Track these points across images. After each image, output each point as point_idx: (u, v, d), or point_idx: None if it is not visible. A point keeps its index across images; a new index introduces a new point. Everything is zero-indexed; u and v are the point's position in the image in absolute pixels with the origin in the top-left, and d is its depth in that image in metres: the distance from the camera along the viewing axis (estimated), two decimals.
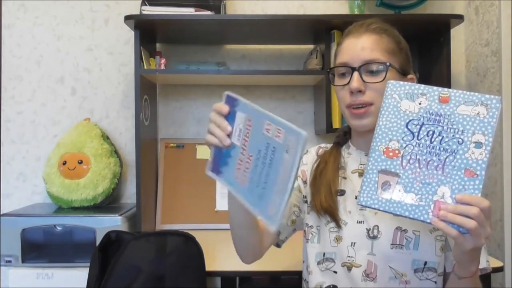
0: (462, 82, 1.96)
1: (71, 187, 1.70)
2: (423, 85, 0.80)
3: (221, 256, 1.47)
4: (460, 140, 0.75)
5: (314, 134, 1.98)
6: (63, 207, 1.74)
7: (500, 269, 1.40)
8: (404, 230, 0.92)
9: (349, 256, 0.94)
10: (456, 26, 1.73)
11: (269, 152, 0.72)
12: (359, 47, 0.93)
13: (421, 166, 0.76)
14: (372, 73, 0.92)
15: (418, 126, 0.78)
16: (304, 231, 1.04)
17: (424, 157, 0.76)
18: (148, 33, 1.75)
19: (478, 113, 0.75)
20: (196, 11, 1.67)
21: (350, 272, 0.93)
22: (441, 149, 0.76)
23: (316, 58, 1.75)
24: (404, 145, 0.78)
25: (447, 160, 0.75)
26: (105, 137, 1.86)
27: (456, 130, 0.76)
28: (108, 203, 1.82)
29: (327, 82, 1.68)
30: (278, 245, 1.09)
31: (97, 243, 1.40)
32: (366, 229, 0.94)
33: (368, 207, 0.77)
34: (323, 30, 1.71)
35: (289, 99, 2.00)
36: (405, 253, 0.91)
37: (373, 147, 0.79)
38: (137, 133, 1.68)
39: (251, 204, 0.73)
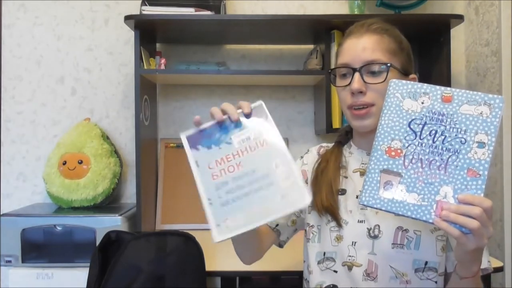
0: (462, 82, 1.96)
1: (71, 187, 1.70)
2: (425, 84, 0.80)
3: (221, 256, 1.47)
4: (463, 139, 0.75)
5: (314, 134, 1.98)
6: (63, 207, 1.74)
7: (500, 269, 1.40)
8: (405, 229, 0.91)
9: (350, 256, 0.94)
10: (456, 26, 1.73)
11: (263, 181, 0.74)
12: (360, 47, 0.93)
13: (424, 165, 0.76)
14: (373, 73, 0.92)
15: (421, 126, 0.77)
16: (305, 230, 1.04)
17: (426, 157, 0.76)
18: (148, 33, 1.75)
19: (481, 113, 0.75)
20: (196, 11, 1.67)
21: (351, 272, 0.93)
22: (444, 148, 0.75)
23: (316, 58, 1.75)
24: (407, 144, 0.77)
25: (449, 159, 0.75)
26: (105, 137, 1.86)
27: (459, 130, 0.75)
28: (108, 203, 1.82)
29: (327, 82, 1.68)
30: (280, 245, 1.09)
31: (97, 243, 1.40)
32: (367, 228, 0.94)
33: (370, 207, 0.77)
34: (323, 30, 1.71)
35: (289, 99, 2.00)
36: (406, 253, 0.91)
37: (375, 146, 0.79)
38: (137, 133, 1.68)
39: (208, 199, 0.73)
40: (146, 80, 1.75)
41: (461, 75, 1.96)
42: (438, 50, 1.74)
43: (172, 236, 1.33)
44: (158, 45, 1.95)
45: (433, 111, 0.78)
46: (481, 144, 0.74)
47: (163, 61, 1.74)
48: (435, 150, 0.76)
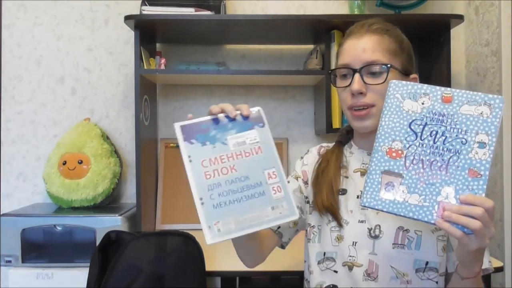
0: (462, 82, 1.96)
1: (71, 187, 1.70)
2: (425, 85, 0.80)
3: (221, 256, 1.47)
4: (463, 140, 0.75)
5: (314, 134, 1.98)
6: (63, 207, 1.74)
7: (500, 269, 1.40)
8: (406, 230, 0.91)
9: (350, 256, 0.94)
10: (456, 26, 1.73)
11: (255, 189, 0.75)
12: (360, 48, 0.93)
13: (425, 166, 0.75)
14: (373, 74, 0.92)
15: (421, 126, 0.77)
16: (306, 231, 1.04)
17: (427, 158, 0.76)
18: (148, 33, 1.75)
19: (481, 113, 0.75)
20: (196, 11, 1.67)
21: (351, 272, 0.93)
22: (445, 149, 0.75)
23: (316, 58, 1.75)
24: (407, 145, 0.77)
25: (450, 160, 0.74)
26: (105, 137, 1.85)
27: (460, 130, 0.75)
28: (108, 203, 1.82)
29: (327, 82, 1.68)
30: (282, 247, 1.09)
31: (97, 243, 1.40)
32: (368, 228, 0.94)
33: (371, 208, 0.76)
34: (323, 30, 1.71)
35: (289, 99, 2.00)
36: (406, 253, 0.91)
37: (376, 147, 0.79)
38: (137, 133, 1.68)
39: (200, 199, 0.73)
40: (146, 80, 1.75)
41: (461, 75, 1.96)
42: (438, 50, 1.75)
43: (172, 236, 1.33)
44: (158, 45, 1.95)
45: (434, 111, 0.77)
46: (482, 144, 0.74)
47: (163, 61, 1.74)
48: (436, 150, 0.76)
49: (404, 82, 0.81)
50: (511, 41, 1.62)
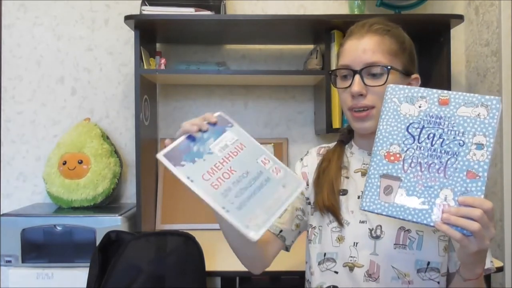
0: (462, 82, 1.96)
1: (71, 187, 1.70)
2: (422, 88, 0.80)
3: (221, 256, 1.47)
4: (461, 142, 0.75)
5: (314, 134, 1.98)
6: (63, 207, 1.74)
7: (500, 269, 1.40)
8: (407, 230, 0.91)
9: (351, 256, 0.94)
10: (456, 26, 1.73)
11: (260, 178, 0.80)
12: (361, 49, 0.92)
13: (423, 169, 0.76)
14: (373, 76, 0.92)
15: (419, 129, 0.78)
16: (307, 231, 1.04)
17: (425, 160, 0.76)
18: (148, 33, 1.75)
19: (478, 114, 0.75)
20: (196, 11, 1.67)
21: (352, 272, 0.93)
22: (442, 151, 0.75)
23: (316, 58, 1.75)
24: (405, 148, 0.78)
25: (448, 162, 0.75)
26: (105, 137, 1.85)
27: (457, 132, 0.75)
28: (108, 203, 1.82)
29: (327, 82, 1.68)
30: (286, 249, 1.09)
31: (97, 243, 1.40)
32: (369, 229, 0.94)
33: (371, 212, 0.77)
34: (323, 30, 1.71)
35: (289, 99, 2.00)
36: (408, 253, 0.91)
37: (375, 151, 0.79)
38: (137, 133, 1.68)
39: (223, 208, 0.74)
40: (146, 80, 1.75)
41: (461, 75, 1.96)
42: (438, 50, 1.75)
43: (172, 236, 1.33)
44: (158, 45, 1.95)
45: (431, 114, 0.78)
46: (480, 146, 0.74)
47: (163, 61, 1.74)
48: (434, 153, 0.76)
49: (401, 86, 0.81)
50: (511, 41, 1.62)
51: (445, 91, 0.78)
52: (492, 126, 0.74)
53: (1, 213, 1.67)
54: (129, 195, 1.96)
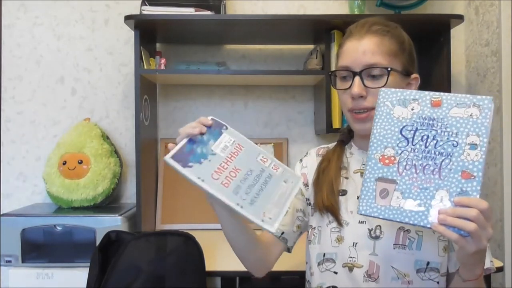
0: (462, 82, 1.96)
1: (71, 187, 1.70)
2: (414, 91, 0.81)
3: (221, 256, 1.47)
4: (454, 142, 0.75)
5: (314, 134, 1.98)
6: (63, 207, 1.74)
7: (500, 269, 1.40)
8: (407, 230, 0.91)
9: (351, 257, 0.94)
10: (456, 26, 1.73)
11: (263, 175, 0.84)
12: (361, 50, 0.92)
13: (418, 171, 0.76)
14: (373, 77, 0.92)
15: (412, 132, 0.78)
16: (308, 232, 1.04)
17: (420, 162, 0.76)
18: (148, 33, 1.75)
19: (471, 115, 0.75)
20: (196, 11, 1.67)
21: (352, 273, 0.93)
22: (437, 153, 0.76)
23: (316, 58, 1.75)
24: (400, 151, 0.78)
25: (443, 163, 0.75)
26: (105, 137, 1.86)
27: (450, 133, 0.76)
28: (108, 203, 1.82)
29: (327, 82, 1.68)
30: (288, 251, 1.09)
31: (97, 243, 1.40)
32: (368, 229, 0.93)
33: (368, 216, 0.77)
34: (323, 30, 1.71)
35: (289, 99, 2.00)
36: (407, 253, 0.91)
37: (369, 155, 0.80)
38: (137, 133, 1.68)
39: (237, 204, 0.77)
40: (146, 80, 1.75)
41: (461, 75, 1.96)
42: (438, 50, 1.75)
43: (172, 236, 1.33)
44: (158, 45, 1.95)
45: (424, 116, 0.78)
46: (473, 146, 0.74)
47: (163, 61, 1.74)
48: (428, 155, 0.76)
49: (393, 89, 0.82)
50: (511, 41, 1.62)
51: (437, 93, 0.79)
52: (485, 125, 0.74)
53: (1, 213, 1.67)
54: (129, 195, 1.96)
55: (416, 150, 0.77)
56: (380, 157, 0.78)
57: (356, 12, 1.81)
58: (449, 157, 0.75)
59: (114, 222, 1.56)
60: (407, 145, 0.78)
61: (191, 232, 1.35)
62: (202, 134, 0.84)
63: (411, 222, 0.74)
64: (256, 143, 2.11)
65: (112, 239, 1.34)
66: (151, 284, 1.25)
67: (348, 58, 0.94)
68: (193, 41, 1.94)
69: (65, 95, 1.95)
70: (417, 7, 1.80)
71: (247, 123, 1.99)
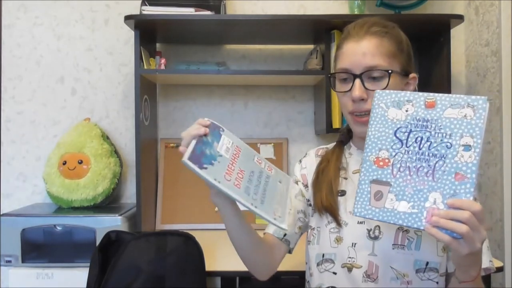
0: (462, 82, 1.96)
1: (71, 187, 1.70)
2: (409, 92, 0.80)
3: (221, 256, 1.47)
4: (448, 144, 0.75)
5: (314, 134, 1.98)
6: (63, 207, 1.74)
7: (500, 269, 1.40)
8: (406, 230, 0.91)
9: (350, 257, 0.94)
10: (456, 26, 1.73)
11: (263, 176, 0.87)
12: (360, 52, 0.91)
13: (412, 173, 0.76)
14: (374, 79, 0.91)
15: (406, 134, 0.78)
16: (307, 233, 1.04)
17: (414, 164, 0.76)
18: (148, 33, 1.75)
19: (465, 115, 0.74)
20: (196, 11, 1.67)
21: (351, 273, 0.93)
22: (430, 154, 0.75)
23: (316, 58, 1.75)
24: (394, 153, 0.78)
25: (436, 165, 0.74)
26: (105, 137, 1.86)
27: (444, 134, 0.75)
28: (108, 203, 1.82)
29: (327, 82, 1.68)
30: (289, 252, 1.08)
31: (97, 243, 1.40)
32: (367, 229, 0.93)
33: (363, 217, 0.78)
34: (323, 30, 1.71)
35: (289, 99, 2.00)
36: (406, 254, 0.91)
37: (364, 157, 0.80)
38: (137, 133, 1.68)
39: (252, 204, 0.79)
40: (146, 80, 1.75)
41: (461, 75, 1.96)
42: (438, 50, 1.74)
43: (172, 236, 1.33)
44: (158, 45, 1.95)
45: (417, 118, 0.78)
46: (467, 147, 0.73)
47: (163, 61, 1.74)
48: (422, 156, 0.76)
49: (388, 91, 0.82)
50: (511, 41, 1.62)
51: (431, 94, 0.78)
52: (479, 126, 0.73)
53: (1, 213, 1.67)
54: (129, 195, 1.96)
55: (410, 152, 0.77)
56: (375, 159, 0.79)
57: (356, 12, 1.81)
58: (442, 158, 0.74)
59: (114, 222, 1.56)
60: (401, 147, 0.78)
61: (191, 232, 1.35)
62: (205, 135, 0.83)
63: (404, 224, 0.74)
64: (256, 143, 2.12)
65: (112, 239, 1.34)
66: (151, 284, 1.25)
67: (348, 60, 0.93)
68: (193, 41, 1.94)
69: (65, 95, 1.95)
70: (417, 7, 1.80)
71: (247, 123, 1.99)
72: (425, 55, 1.86)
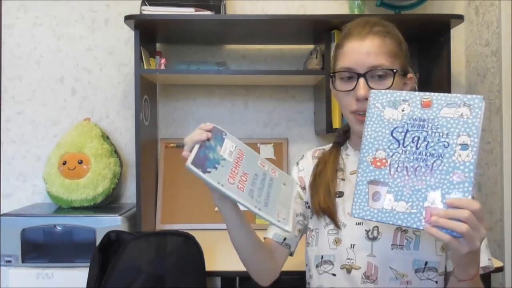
0: (462, 82, 1.96)
1: (71, 187, 1.70)
2: (404, 92, 0.80)
3: (221, 256, 1.47)
4: (445, 143, 0.74)
5: (314, 134, 1.98)
6: (63, 207, 1.74)
7: (500, 269, 1.40)
8: (404, 230, 0.91)
9: (349, 258, 0.93)
10: (456, 26, 1.73)
11: (267, 179, 0.87)
12: (364, 52, 0.91)
13: (409, 173, 0.75)
14: (378, 78, 0.91)
15: (403, 133, 0.77)
16: (306, 234, 1.04)
17: (411, 164, 0.76)
18: (148, 33, 1.75)
19: (461, 115, 0.74)
20: (196, 11, 1.67)
21: (350, 275, 0.93)
22: (428, 154, 0.75)
23: (316, 58, 1.75)
24: (391, 153, 0.77)
25: (434, 164, 0.74)
26: (105, 137, 1.86)
27: (441, 134, 0.75)
28: (108, 203, 1.82)
29: (327, 82, 1.68)
30: (291, 255, 1.08)
31: (97, 243, 1.40)
32: (366, 230, 0.93)
33: (361, 219, 0.77)
34: (323, 30, 1.71)
35: (289, 99, 2.00)
36: (405, 254, 0.90)
37: (361, 158, 0.79)
38: (137, 133, 1.68)
39: (255, 207, 0.80)
40: (146, 80, 1.75)
41: (461, 75, 1.96)
42: (438, 50, 1.75)
43: (172, 236, 1.33)
44: (158, 45, 1.95)
45: (414, 117, 0.77)
46: (464, 146, 0.73)
47: (163, 61, 1.74)
48: (419, 156, 0.76)
49: (383, 91, 0.81)
50: (511, 41, 1.62)
51: (427, 93, 0.78)
52: (475, 125, 0.73)
53: (1, 213, 1.67)
54: (129, 195, 1.96)
55: (407, 152, 0.76)
56: (372, 160, 0.78)
57: (356, 12, 1.81)
58: (440, 158, 0.74)
59: (114, 222, 1.56)
60: (398, 147, 0.77)
61: (191, 232, 1.35)
62: (208, 140, 0.83)
63: (404, 224, 0.73)
64: (256, 143, 2.12)
65: (112, 239, 1.34)
66: (151, 284, 1.25)
67: (351, 59, 0.93)
68: (193, 41, 1.94)
69: (65, 95, 1.95)
70: (417, 7, 1.80)
71: (247, 123, 1.99)
72: (425, 55, 1.86)
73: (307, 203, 1.05)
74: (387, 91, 0.81)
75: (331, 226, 0.96)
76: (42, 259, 1.56)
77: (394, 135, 0.78)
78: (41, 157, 1.93)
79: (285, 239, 1.03)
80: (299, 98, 1.99)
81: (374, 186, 0.77)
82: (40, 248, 1.56)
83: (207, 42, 1.96)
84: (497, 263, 1.41)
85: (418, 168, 0.75)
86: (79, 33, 1.95)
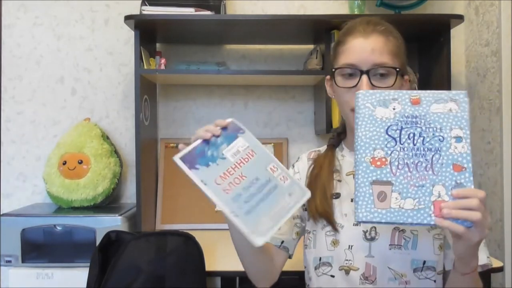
0: (462, 82, 1.96)
1: (71, 187, 1.70)
2: (392, 91, 0.81)
3: (221, 256, 1.47)
4: (440, 137, 0.76)
5: (314, 134, 1.98)
6: (63, 207, 1.74)
7: (500, 269, 1.40)
8: (402, 230, 0.91)
9: (347, 260, 0.93)
10: (456, 26, 1.73)
11: (269, 185, 0.81)
12: (369, 49, 0.91)
13: (411, 169, 0.76)
14: (380, 77, 0.91)
15: (398, 131, 0.78)
16: (304, 237, 1.04)
17: (411, 160, 0.76)
18: (148, 33, 1.75)
19: (450, 109, 0.77)
20: (196, 11, 1.67)
21: (348, 276, 0.93)
22: (425, 149, 0.76)
23: (316, 58, 1.75)
24: (389, 151, 0.77)
25: (433, 158, 0.75)
26: (105, 137, 1.86)
27: (435, 129, 0.77)
28: (108, 203, 1.82)
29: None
30: (289, 257, 1.08)
31: (97, 243, 1.40)
32: (363, 231, 0.93)
33: (369, 222, 0.75)
34: (323, 30, 1.71)
35: (289, 99, 2.00)
36: (403, 253, 0.90)
37: (358, 159, 0.78)
38: (137, 133, 1.68)
39: (232, 212, 0.76)
40: (146, 80, 1.75)
41: (461, 75, 1.96)
42: (438, 50, 1.74)
43: (172, 236, 1.33)
44: (158, 45, 1.95)
45: (406, 114, 0.78)
46: (458, 139, 0.75)
47: (163, 61, 1.74)
48: (418, 152, 0.76)
49: (371, 91, 0.81)
50: (511, 41, 1.62)
51: (415, 91, 0.79)
52: (465, 118, 0.76)
53: (1, 213, 1.68)
54: (129, 195, 1.96)
55: (406, 149, 0.77)
56: (371, 160, 0.77)
57: (356, 12, 1.81)
58: (438, 152, 0.75)
59: (114, 222, 1.56)
60: (396, 144, 0.77)
61: (191, 232, 1.35)
62: (217, 136, 0.83)
63: (414, 222, 0.73)
64: None
65: (112, 239, 1.34)
66: (151, 284, 1.25)
67: (354, 56, 0.92)
68: (193, 41, 1.94)
69: (65, 95, 1.95)
70: (417, 7, 1.80)
71: (247, 123, 1.97)
72: (425, 55, 1.86)
73: (304, 205, 1.05)
74: (375, 91, 0.81)
75: (329, 228, 0.96)
76: (42, 259, 1.56)
77: (389, 133, 0.78)
78: (41, 157, 1.93)
79: (282, 242, 1.03)
80: (299, 98, 1.99)
81: (378, 186, 0.76)
82: (40, 248, 1.56)
83: (207, 42, 1.96)
84: (497, 263, 1.41)
85: (418, 164, 0.76)
86: (79, 33, 1.96)
